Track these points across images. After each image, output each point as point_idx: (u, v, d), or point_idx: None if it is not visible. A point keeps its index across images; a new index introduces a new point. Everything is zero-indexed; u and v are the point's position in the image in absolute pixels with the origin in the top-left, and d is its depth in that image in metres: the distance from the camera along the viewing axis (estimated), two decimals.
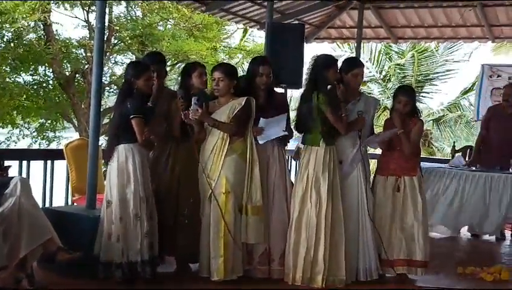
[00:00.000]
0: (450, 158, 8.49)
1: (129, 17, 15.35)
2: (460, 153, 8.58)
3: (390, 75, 17.14)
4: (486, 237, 7.48)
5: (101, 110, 5.71)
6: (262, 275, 5.11)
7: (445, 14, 9.73)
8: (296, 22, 9.49)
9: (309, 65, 5.13)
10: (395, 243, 5.25)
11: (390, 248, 5.25)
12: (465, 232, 7.35)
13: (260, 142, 5.05)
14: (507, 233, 7.66)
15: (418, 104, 5.49)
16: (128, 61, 14.05)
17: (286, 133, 5.17)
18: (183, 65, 9.74)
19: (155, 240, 4.89)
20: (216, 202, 4.88)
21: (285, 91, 7.06)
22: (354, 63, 5.39)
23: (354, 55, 10.69)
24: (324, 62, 5.05)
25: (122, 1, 14.92)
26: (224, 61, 13.84)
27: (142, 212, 4.75)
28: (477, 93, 9.48)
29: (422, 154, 12.83)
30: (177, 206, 5.14)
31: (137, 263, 4.74)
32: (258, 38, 16.91)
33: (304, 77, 5.53)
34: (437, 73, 16.98)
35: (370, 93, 15.54)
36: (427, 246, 5.28)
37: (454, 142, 9.59)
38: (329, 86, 4.97)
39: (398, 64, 16.93)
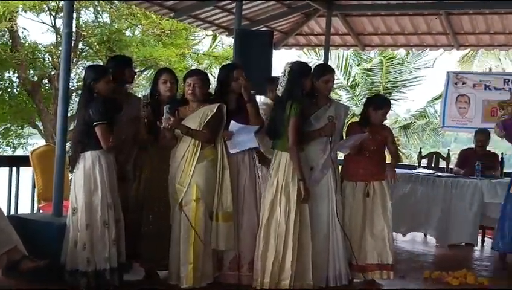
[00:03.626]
0: (417, 164, 8.61)
1: (97, 23, 15.24)
2: (426, 159, 8.71)
3: (358, 82, 17.26)
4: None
5: (68, 116, 5.65)
6: (232, 281, 5.10)
7: (411, 22, 9.86)
8: (265, 28, 9.53)
9: (284, 72, 5.14)
10: (367, 248, 5.30)
11: (362, 253, 5.29)
12: (433, 237, 7.42)
13: (231, 152, 5.06)
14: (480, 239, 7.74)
15: None
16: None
17: (257, 145, 5.22)
18: (152, 71, 9.72)
19: (123, 247, 4.86)
20: (187, 209, 4.86)
21: (255, 98, 7.05)
22: (324, 69, 5.42)
23: (321, 62, 10.76)
24: (300, 70, 5.08)
25: (91, 7, 14.80)
26: (197, 68, 13.85)
27: (109, 218, 4.72)
28: (443, 100, 9.60)
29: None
30: (143, 213, 5.11)
31: (106, 270, 4.70)
32: (227, 44, 16.94)
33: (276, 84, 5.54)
34: (405, 80, 17.14)
35: (338, 100, 15.64)
36: (393, 249, 5.38)
37: (420, 148, 9.69)
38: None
39: (366, 71, 17.06)
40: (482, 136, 7.73)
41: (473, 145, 7.98)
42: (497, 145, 10.05)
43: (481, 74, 11.40)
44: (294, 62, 5.18)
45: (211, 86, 5.26)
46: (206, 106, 4.95)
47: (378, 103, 5.47)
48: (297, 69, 5.09)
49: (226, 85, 5.15)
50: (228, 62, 8.48)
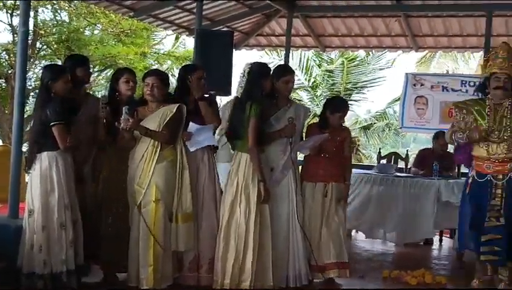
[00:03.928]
0: (377, 165, 8.69)
1: (55, 22, 15.02)
2: (385, 159, 8.80)
3: (319, 83, 17.37)
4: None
5: (25, 116, 5.57)
6: (191, 282, 5.07)
7: (371, 24, 9.97)
8: (226, 29, 9.53)
9: (244, 73, 5.14)
10: (325, 247, 5.33)
11: (321, 253, 5.32)
12: (391, 237, 7.49)
13: (191, 149, 5.03)
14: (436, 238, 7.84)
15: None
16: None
17: (215, 143, 5.20)
18: (111, 71, 9.62)
19: (80, 249, 4.79)
20: (146, 210, 4.81)
21: (215, 98, 7.04)
22: (284, 70, 5.43)
23: (282, 62, 10.79)
24: (260, 71, 5.08)
25: (49, 6, 14.57)
26: (156, 68, 13.76)
27: (67, 220, 4.64)
28: (402, 102, 9.71)
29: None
30: (101, 214, 5.06)
31: (63, 273, 4.63)
32: (189, 44, 16.87)
33: (234, 83, 5.54)
34: (365, 81, 17.30)
35: (299, 101, 15.72)
36: (347, 247, 5.49)
37: (380, 149, 9.80)
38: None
39: (327, 72, 17.17)
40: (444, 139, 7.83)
41: (430, 146, 8.08)
42: None
43: (439, 75, 11.58)
44: (254, 63, 5.18)
45: (170, 86, 5.22)
46: (166, 107, 4.91)
47: (335, 106, 5.51)
48: (257, 70, 5.09)
49: (186, 85, 5.11)
50: (188, 62, 8.42)
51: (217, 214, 5.11)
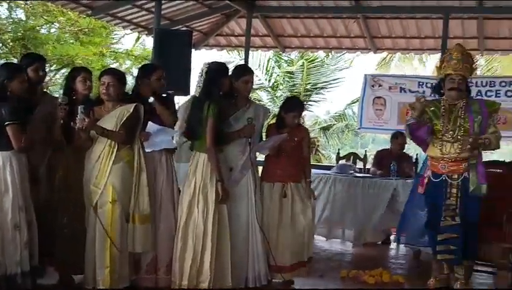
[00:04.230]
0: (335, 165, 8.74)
1: (11, 19, 14.73)
2: (344, 160, 8.86)
3: (279, 83, 17.41)
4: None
5: None
6: (149, 284, 5.03)
7: (330, 25, 10.04)
8: (185, 28, 9.48)
9: (201, 73, 5.10)
10: (285, 248, 5.31)
11: (280, 254, 5.30)
12: (350, 236, 7.55)
13: (147, 150, 4.98)
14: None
15: (305, 112, 5.66)
16: None
17: (173, 146, 5.16)
18: (68, 70, 9.48)
19: (35, 250, 4.69)
20: (102, 211, 4.74)
21: (173, 97, 6.99)
22: (244, 70, 5.43)
23: (243, 62, 10.79)
24: (218, 70, 5.05)
25: (4, 3, 14.29)
26: (113, 67, 13.59)
27: (21, 221, 4.54)
28: (360, 102, 9.80)
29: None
30: (57, 215, 4.98)
31: (17, 274, 4.53)
32: (149, 44, 16.72)
33: (192, 83, 5.51)
34: (324, 82, 17.40)
35: (259, 101, 15.75)
36: (311, 245, 5.53)
37: (338, 149, 9.87)
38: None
39: (287, 73, 17.22)
40: (403, 138, 7.94)
41: (389, 146, 8.17)
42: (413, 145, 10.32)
43: (397, 76, 11.67)
44: (212, 62, 5.15)
45: (127, 86, 5.16)
46: (123, 106, 4.84)
47: (289, 105, 5.51)
48: (215, 69, 5.06)
49: (142, 85, 5.06)
50: (147, 62, 8.36)
51: (175, 215, 5.07)
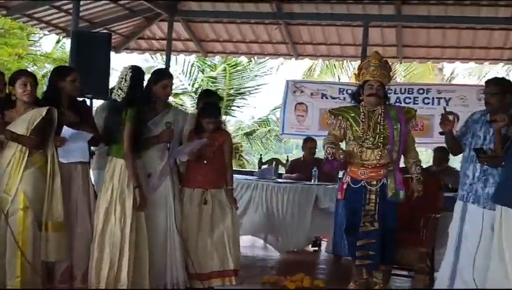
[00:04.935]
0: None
1: None
2: (267, 165, 8.86)
3: (202, 88, 17.32)
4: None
5: None
6: None
7: (252, 31, 10.07)
8: (105, 31, 9.29)
9: (123, 77, 4.92)
10: (205, 255, 5.22)
11: (199, 261, 5.22)
12: (272, 243, 7.53)
13: (61, 160, 4.80)
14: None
15: (228, 117, 5.61)
16: None
17: (87, 160, 5.04)
18: None
19: None
20: (13, 219, 4.54)
21: (91, 101, 6.83)
22: (163, 74, 5.34)
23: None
24: (137, 75, 4.91)
25: None
26: (29, 70, 13.19)
27: None
28: (282, 108, 9.86)
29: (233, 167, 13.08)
30: None
31: None
32: (69, 47, 16.26)
33: (112, 87, 5.36)
34: (248, 87, 17.44)
35: (182, 106, 15.63)
36: (238, 254, 5.37)
37: (261, 155, 9.88)
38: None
39: (210, 77, 17.17)
40: (312, 143, 8.03)
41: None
42: None
43: (318, 83, 11.86)
44: (132, 66, 5.01)
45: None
46: (35, 110, 4.65)
47: (204, 112, 5.42)
48: (134, 74, 4.93)
49: (58, 88, 4.89)
50: (61, 64, 8.15)
51: (92, 222, 4.91)
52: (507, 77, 5.83)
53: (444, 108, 5.25)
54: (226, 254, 5.28)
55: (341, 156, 5.00)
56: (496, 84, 4.85)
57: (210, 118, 5.32)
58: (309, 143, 8.06)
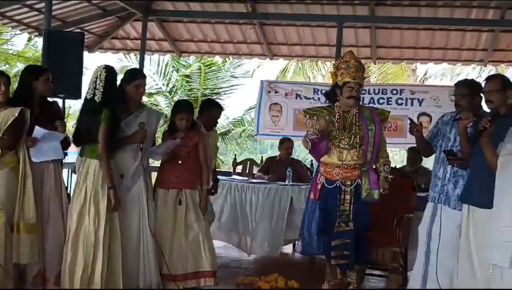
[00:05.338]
0: (232, 171, 8.72)
1: None
2: (241, 166, 8.86)
3: (177, 88, 17.24)
4: None
5: None
6: None
7: (227, 31, 10.05)
8: (78, 30, 9.21)
9: (97, 76, 4.86)
10: (181, 258, 5.21)
11: (174, 263, 5.20)
12: (245, 245, 7.51)
13: (34, 160, 4.75)
14: None
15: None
16: None
17: (62, 157, 5.00)
18: None
19: None
20: None
21: (63, 101, 6.75)
22: (135, 74, 5.30)
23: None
24: (111, 75, 4.88)
25: None
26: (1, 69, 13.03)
27: None
28: (257, 109, 9.85)
29: None
30: None
31: None
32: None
33: (84, 87, 5.32)
34: (223, 88, 17.39)
35: (157, 106, 15.55)
36: (214, 256, 5.33)
37: (235, 155, 9.87)
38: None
39: (185, 77, 17.09)
40: (288, 143, 8.04)
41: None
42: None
43: (293, 83, 11.88)
44: (106, 66, 4.97)
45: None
46: (7, 110, 4.60)
47: (176, 108, 5.45)
48: (109, 74, 4.90)
49: (30, 88, 4.83)
50: (34, 64, 8.06)
51: (65, 225, 4.87)
52: (479, 78, 5.89)
53: (410, 118, 5.27)
54: (201, 255, 5.26)
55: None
56: (465, 86, 4.90)
57: (182, 113, 5.30)
58: (286, 143, 8.05)
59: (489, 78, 4.64)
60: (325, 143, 5.13)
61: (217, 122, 6.13)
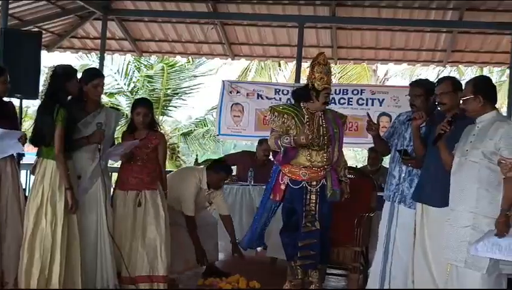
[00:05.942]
0: None
1: None
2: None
3: (138, 88, 17.11)
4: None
5: None
6: None
7: (188, 31, 10.01)
8: (37, 29, 9.07)
9: (46, 76, 4.83)
10: (138, 259, 5.16)
11: (132, 264, 5.15)
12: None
13: None
14: None
15: (165, 117, 5.54)
16: None
17: (22, 151, 4.93)
18: None
19: None
20: None
21: (21, 102, 6.64)
22: (94, 74, 5.24)
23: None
24: (64, 73, 4.82)
25: None
26: None
27: None
28: (219, 109, 9.81)
29: (170, 168, 13.00)
30: None
31: None
32: None
33: (42, 87, 5.22)
34: (185, 87, 17.32)
35: (118, 106, 15.39)
36: (168, 260, 5.26)
37: (196, 155, 9.82)
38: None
39: (147, 77, 16.96)
40: (267, 145, 7.96)
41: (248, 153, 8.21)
42: None
43: (254, 83, 11.86)
44: (58, 65, 4.91)
45: None
46: None
47: (133, 105, 5.40)
48: (61, 73, 4.82)
49: None
50: None
51: (22, 226, 4.78)
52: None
53: (368, 114, 5.28)
54: (157, 258, 5.21)
55: (302, 139, 4.90)
56: (418, 86, 4.95)
57: (139, 107, 5.25)
58: (264, 145, 7.91)
59: (440, 81, 4.70)
60: (296, 150, 5.11)
61: (223, 184, 6.25)
